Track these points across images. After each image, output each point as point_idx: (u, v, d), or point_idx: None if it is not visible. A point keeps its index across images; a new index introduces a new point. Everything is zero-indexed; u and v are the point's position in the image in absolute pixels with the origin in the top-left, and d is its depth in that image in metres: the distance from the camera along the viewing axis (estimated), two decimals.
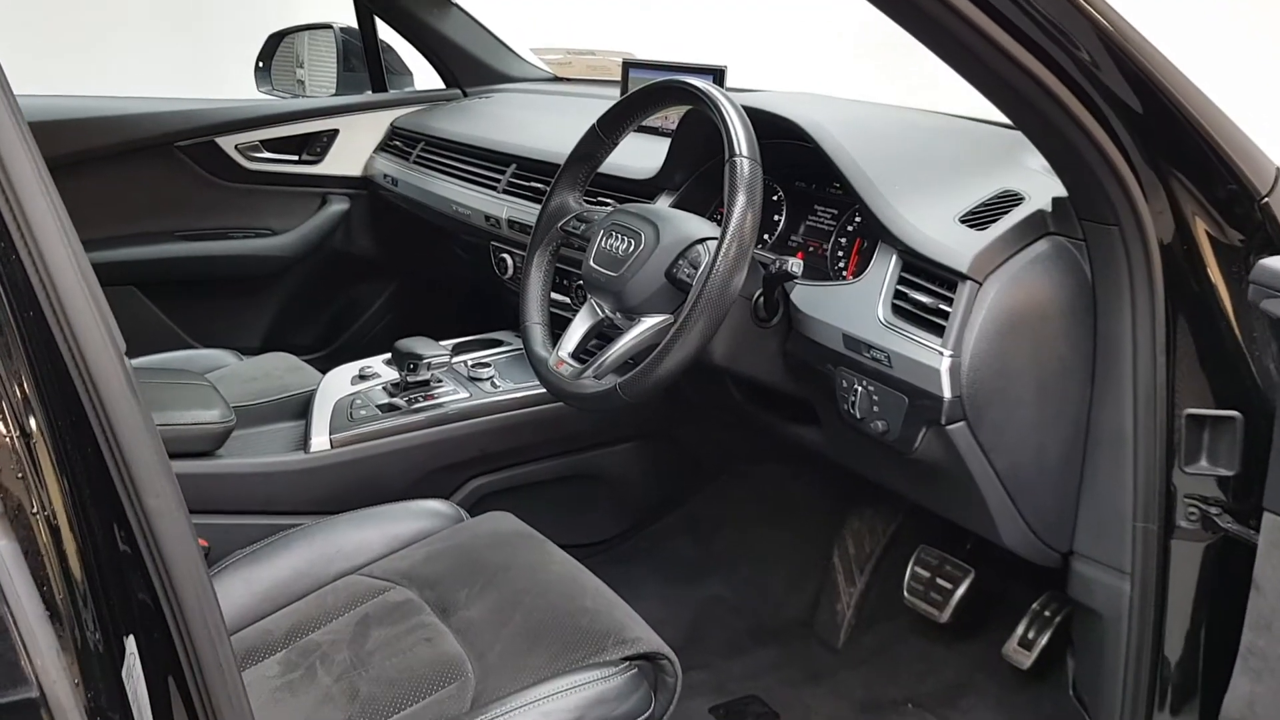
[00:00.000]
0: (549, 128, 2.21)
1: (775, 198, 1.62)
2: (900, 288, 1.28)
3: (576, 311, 1.84)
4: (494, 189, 2.10)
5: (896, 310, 1.27)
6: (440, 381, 1.79)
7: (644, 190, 1.75)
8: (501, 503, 1.79)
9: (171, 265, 2.49)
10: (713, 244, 1.33)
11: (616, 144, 1.51)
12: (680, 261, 1.33)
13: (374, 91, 2.75)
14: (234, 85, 2.77)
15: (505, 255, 2.06)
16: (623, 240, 1.38)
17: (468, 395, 1.77)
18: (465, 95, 2.75)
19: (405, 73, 2.86)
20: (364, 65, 2.73)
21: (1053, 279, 1.24)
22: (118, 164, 2.40)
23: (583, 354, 1.45)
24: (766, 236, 1.61)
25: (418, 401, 1.74)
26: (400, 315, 2.83)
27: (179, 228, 2.52)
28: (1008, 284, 1.21)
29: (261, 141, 2.56)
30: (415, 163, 2.47)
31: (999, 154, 1.45)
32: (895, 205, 1.31)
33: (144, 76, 2.99)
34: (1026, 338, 1.22)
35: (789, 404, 1.58)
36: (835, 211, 1.54)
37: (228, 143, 2.51)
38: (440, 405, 1.73)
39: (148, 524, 0.67)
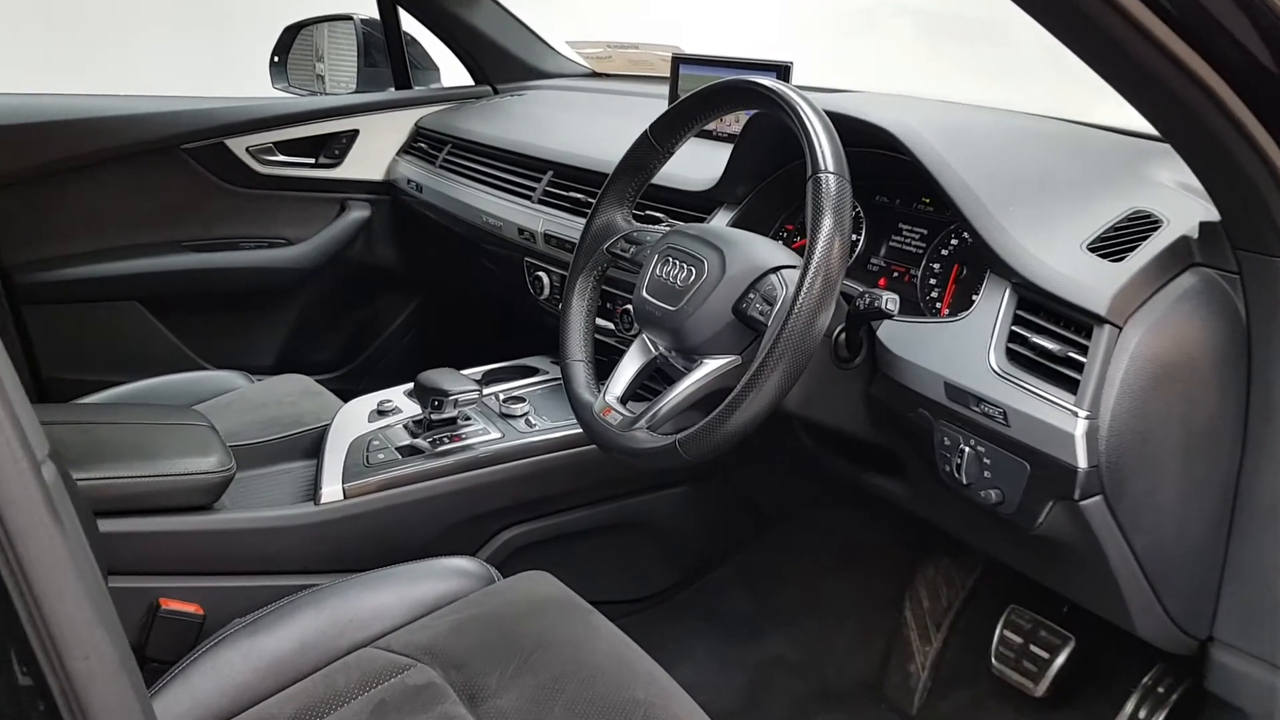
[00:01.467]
0: (590, 130, 2.04)
1: (853, 214, 1.44)
2: (1017, 329, 1.09)
3: (621, 339, 1.70)
4: (528, 199, 1.93)
5: (1013, 356, 1.08)
6: (469, 419, 1.63)
7: (699, 204, 1.58)
8: (537, 557, 1.62)
9: (177, 278, 2.35)
10: (789, 274, 1.15)
11: (672, 153, 1.34)
12: (751, 295, 1.15)
13: (397, 89, 2.63)
14: (246, 82, 2.63)
15: (541, 274, 1.89)
16: (682, 268, 1.21)
17: (499, 436, 1.60)
18: (496, 93, 2.60)
19: (431, 68, 2.72)
20: (386, 60, 2.60)
21: (1202, 321, 1.05)
22: (118, 169, 2.26)
23: (634, 394, 1.28)
24: None
25: (443, 443, 1.57)
26: (423, 333, 2.68)
27: (185, 237, 2.39)
28: (1153, 328, 1.02)
29: (275, 143, 2.42)
30: (442, 167, 2.31)
31: (1122, 167, 1.26)
32: (1009, 229, 1.13)
33: (146, 73, 2.85)
34: (1173, 393, 1.04)
35: (868, 452, 1.40)
36: (924, 231, 1.36)
37: (238, 145, 2.38)
38: (469, 448, 1.56)
39: (74, 696, 0.50)
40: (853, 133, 1.21)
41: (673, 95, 1.88)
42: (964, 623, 1.84)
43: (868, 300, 1.11)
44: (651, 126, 1.32)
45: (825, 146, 1.08)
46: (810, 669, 1.84)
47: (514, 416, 1.65)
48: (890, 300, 1.09)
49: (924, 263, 1.34)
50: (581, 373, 1.34)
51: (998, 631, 1.67)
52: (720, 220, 1.53)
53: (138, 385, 1.94)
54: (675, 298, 1.20)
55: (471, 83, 2.65)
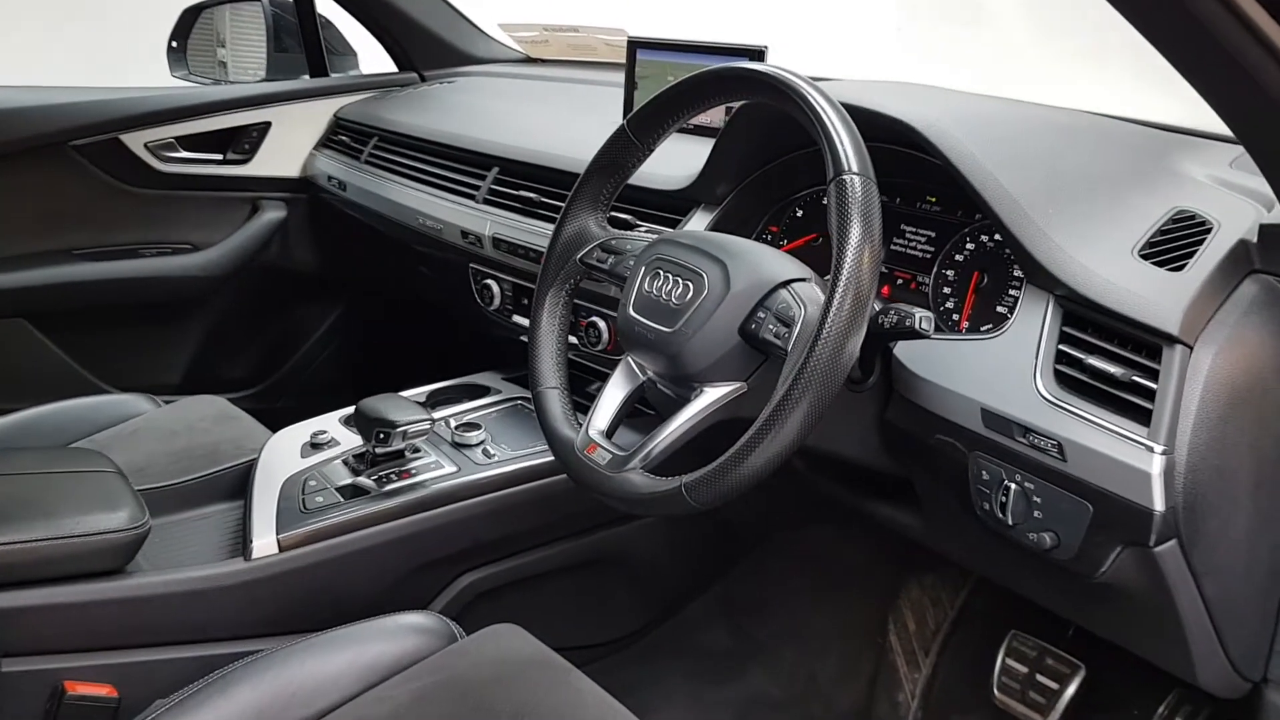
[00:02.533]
0: (536, 122, 1.88)
1: (800, 214, 1.31)
2: (1064, 348, 0.97)
3: (588, 356, 1.54)
4: (472, 198, 1.77)
5: (1063, 380, 0.97)
6: (418, 451, 1.46)
7: (672, 205, 1.44)
8: (500, 603, 1.47)
9: (70, 291, 2.13)
10: (802, 288, 1.02)
11: (652, 149, 1.19)
12: (760, 314, 1.02)
13: (312, 76, 2.42)
14: (141, 71, 2.40)
15: (490, 282, 1.73)
16: (677, 283, 1.07)
17: (454, 470, 1.44)
18: (423, 80, 2.43)
19: (349, 53, 2.54)
20: (299, 44, 2.41)
21: (1270, 335, 0.95)
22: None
23: (619, 425, 1.14)
24: None
25: (390, 480, 1.40)
26: (349, 344, 2.50)
27: (77, 245, 2.17)
28: (1224, 347, 0.92)
29: (177, 138, 2.22)
30: (367, 162, 2.13)
31: (1152, 161, 1.16)
32: (1051, 234, 1.01)
33: (30, 61, 2.61)
34: (1246, 419, 0.93)
35: (874, 479, 1.28)
36: (931, 234, 1.24)
37: (135, 140, 2.17)
38: (420, 485, 1.40)
39: None
40: (862, 126, 1.08)
41: (629, 83, 1.73)
42: (955, 646, 1.74)
43: (895, 317, 0.98)
44: (630, 120, 1.17)
45: (847, 144, 0.94)
46: (794, 706, 1.72)
47: (469, 446, 1.49)
48: (924, 318, 0.96)
49: (935, 269, 1.21)
50: (558, 403, 1.19)
51: (999, 660, 1.58)
52: (698, 223, 1.39)
53: (26, 414, 1.74)
54: (671, 318, 1.06)
55: (395, 69, 2.47)
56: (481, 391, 1.70)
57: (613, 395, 1.14)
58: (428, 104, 2.21)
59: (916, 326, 0.96)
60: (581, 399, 1.32)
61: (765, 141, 1.30)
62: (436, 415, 1.59)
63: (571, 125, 1.84)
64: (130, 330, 2.25)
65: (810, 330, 0.95)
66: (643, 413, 1.25)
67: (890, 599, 1.81)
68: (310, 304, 2.46)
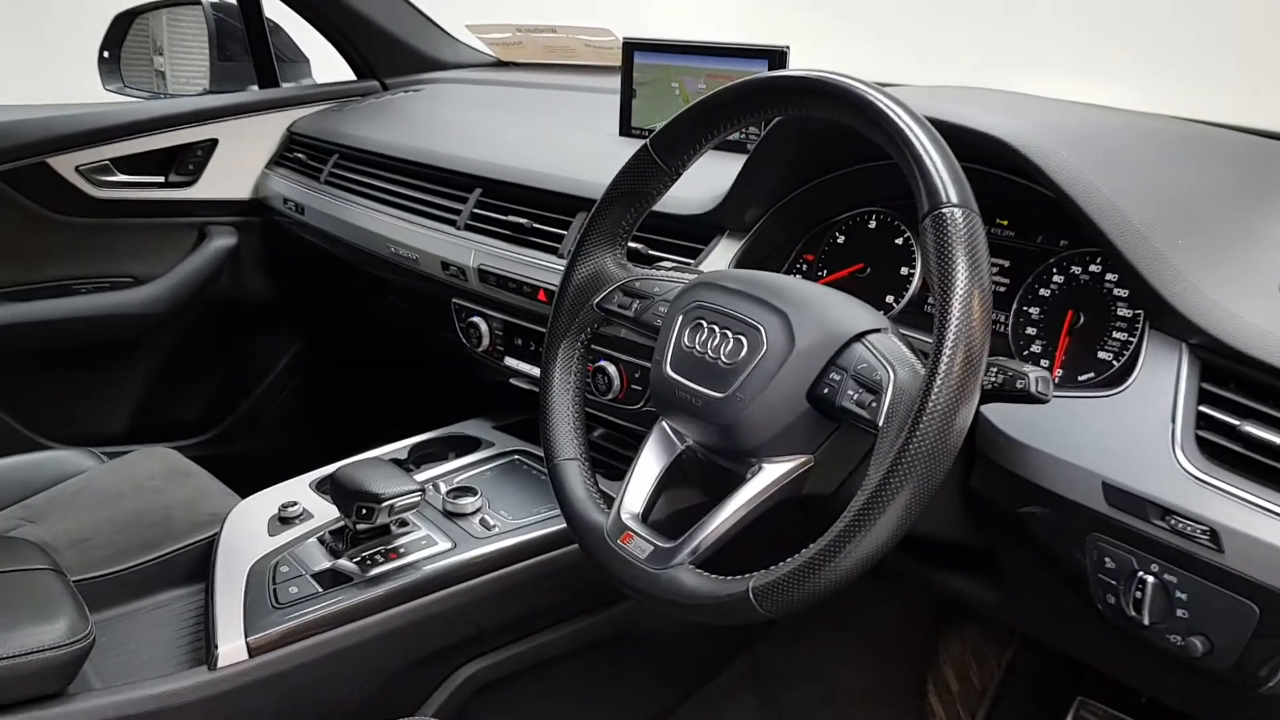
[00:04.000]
0: (518, 134, 1.70)
1: (901, 241, 1.15)
2: (1207, 409, 0.81)
3: (595, 405, 1.37)
4: (452, 224, 1.58)
5: (1209, 449, 0.80)
6: (405, 525, 1.27)
7: (692, 232, 1.26)
8: (505, 694, 1.30)
9: None
10: (880, 341, 0.85)
11: (680, 174, 1.02)
12: (833, 376, 0.85)
13: (261, 87, 2.23)
14: (71, 86, 2.18)
15: (478, 320, 1.54)
16: (726, 337, 0.90)
17: (450, 546, 1.25)
18: (385, 89, 2.25)
19: (300, 60, 2.34)
20: (246, 52, 2.21)
21: None
22: None
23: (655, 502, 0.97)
24: (892, 299, 1.14)
25: (376, 562, 1.22)
26: (310, 382, 2.30)
27: (3, 283, 1.96)
28: None
29: (113, 160, 2.02)
30: (328, 182, 1.93)
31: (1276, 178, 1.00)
32: (1184, 269, 0.85)
33: None
34: None
35: (947, 550, 1.11)
36: (1005, 264, 1.08)
37: (65, 163, 1.97)
38: (412, 568, 1.22)
39: None
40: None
41: (626, 89, 1.55)
42: (1006, 710, 1.58)
43: (1000, 376, 0.81)
44: (654, 140, 1.00)
45: (943, 171, 0.77)
46: None
47: (464, 515, 1.31)
48: (1040, 379, 0.79)
49: (1015, 306, 1.05)
50: (578, 478, 1.01)
51: None
52: (723, 253, 1.22)
53: None
54: (721, 380, 0.89)
55: (353, 77, 2.28)
56: (470, 445, 1.52)
57: (647, 469, 0.97)
58: (393, 116, 2.02)
59: (1031, 389, 0.79)
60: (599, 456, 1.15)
61: (807, 158, 1.14)
62: (423, 477, 1.40)
63: (561, 138, 1.66)
64: (66, 376, 2.05)
65: (906, 399, 0.78)
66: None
67: (929, 656, 1.66)
68: (266, 338, 2.26)
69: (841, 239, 1.19)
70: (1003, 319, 1.06)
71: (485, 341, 1.54)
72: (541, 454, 1.45)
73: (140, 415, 2.13)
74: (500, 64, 2.33)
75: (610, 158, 1.53)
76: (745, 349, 0.88)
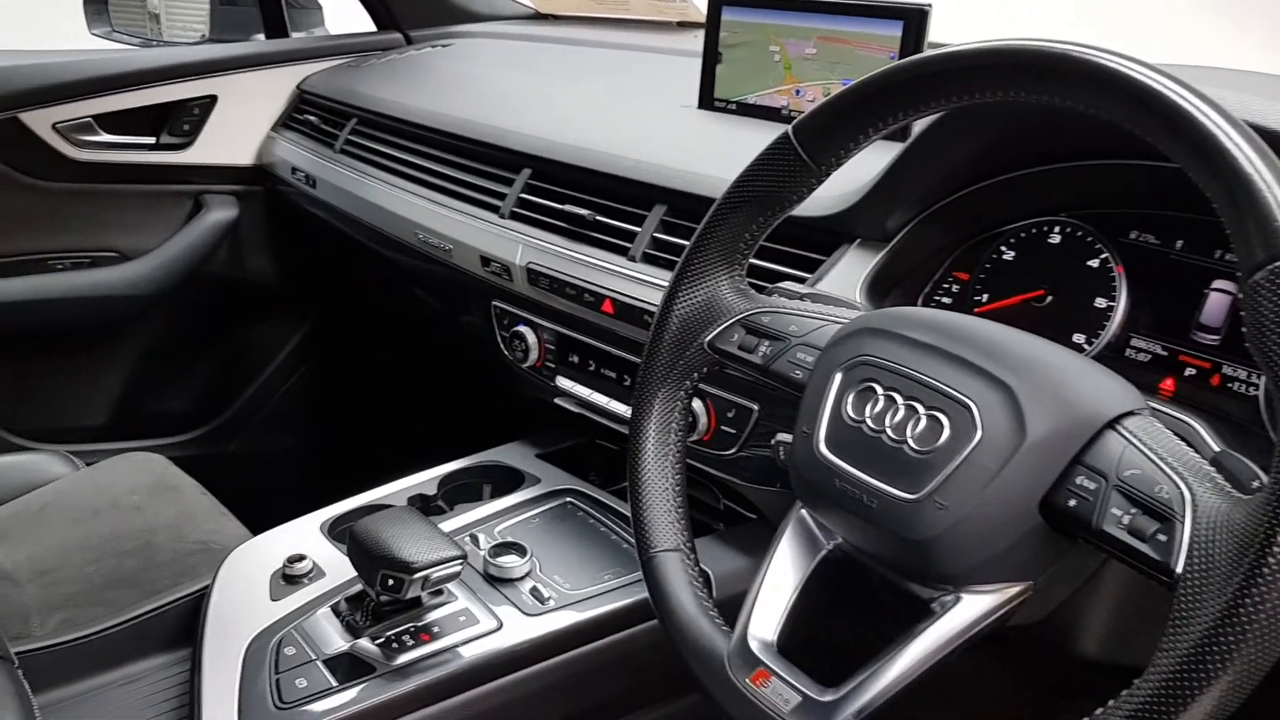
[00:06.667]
0: (572, 102, 1.45)
1: (1095, 263, 0.89)
2: None
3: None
4: (495, 210, 1.33)
5: None
6: (440, 593, 1.03)
7: (811, 239, 1.01)
8: None
9: None
10: (1145, 431, 0.61)
11: (829, 174, 0.77)
12: (1078, 478, 0.61)
13: (268, 36, 1.99)
14: (51, 32, 1.93)
15: (524, 330, 1.29)
16: (913, 412, 0.65)
17: (495, 626, 1.01)
18: (409, 42, 1.99)
19: (312, 6, 2.12)
20: None
21: None
22: None
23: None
24: (1082, 340, 0.88)
25: (404, 646, 0.98)
26: (317, 371, 2.07)
27: None
28: None
29: (95, 117, 1.79)
30: (343, 152, 1.68)
31: None
32: None
33: None
34: None
35: None
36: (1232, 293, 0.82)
37: (40, 120, 1.74)
38: (450, 653, 0.98)
39: None
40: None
41: (710, 52, 1.29)
42: None
43: None
44: (800, 127, 0.75)
45: None
46: None
47: (510, 581, 1.07)
48: None
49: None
50: (683, 579, 0.77)
51: None
52: (853, 267, 0.96)
53: None
54: (908, 474, 0.64)
55: (373, 28, 2.03)
56: (511, 479, 1.27)
57: (781, 578, 0.73)
58: (419, 75, 1.76)
59: None
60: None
61: (986, 153, 0.88)
62: (456, 523, 1.16)
63: (627, 111, 1.40)
64: (39, 364, 1.83)
65: (1225, 537, 0.54)
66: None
67: None
68: (266, 325, 2.03)
69: (1010, 255, 0.94)
70: (1234, 373, 0.80)
71: (533, 355, 1.29)
72: (598, 496, 1.24)
73: (122, 410, 1.91)
74: (538, 16, 2.08)
75: (693, 137, 1.29)
76: (946, 433, 0.63)
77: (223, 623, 1.03)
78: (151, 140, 1.83)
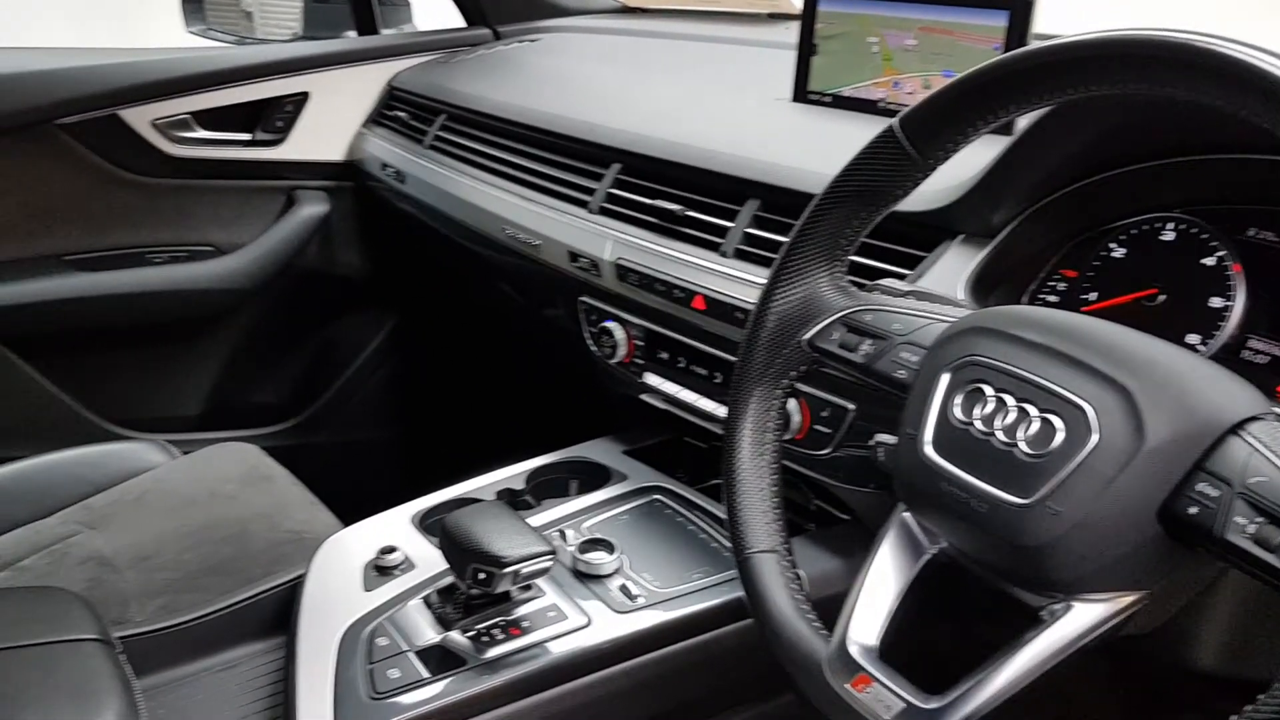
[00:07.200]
0: (664, 96, 1.44)
1: (1211, 261, 0.86)
2: None
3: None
4: (583, 205, 1.33)
5: None
6: (529, 589, 1.03)
7: (910, 234, 0.99)
8: None
9: (61, 309, 1.74)
10: (1267, 434, 0.58)
11: (936, 168, 0.75)
12: (1200, 485, 0.58)
13: (360, 33, 2.02)
14: (151, 29, 2.00)
15: (612, 325, 1.29)
16: (1024, 414, 0.63)
17: (584, 622, 1.01)
18: (498, 37, 2.00)
19: (401, 3, 2.14)
20: None
21: None
22: None
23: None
24: (1197, 340, 0.85)
25: (494, 640, 0.98)
26: (404, 364, 2.10)
27: (69, 250, 1.78)
28: None
29: (193, 114, 1.81)
30: (433, 147, 1.69)
31: None
32: None
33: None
34: None
35: None
36: None
37: (139, 116, 1.76)
38: (539, 649, 0.98)
39: None
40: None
41: (805, 43, 1.27)
42: None
43: None
44: (907, 119, 0.74)
45: None
46: None
47: (599, 578, 1.07)
48: None
49: None
50: (779, 581, 0.76)
51: None
52: (956, 263, 0.94)
53: (4, 472, 1.36)
54: (1019, 478, 0.62)
55: (463, 24, 2.04)
56: (598, 476, 1.27)
57: (882, 582, 0.71)
58: (509, 70, 1.77)
59: None
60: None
61: (1099, 146, 0.85)
62: (544, 518, 1.17)
63: (718, 104, 1.39)
64: (137, 355, 1.86)
65: None
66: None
67: None
68: (356, 317, 2.05)
69: (1121, 253, 0.91)
70: None
71: (621, 351, 1.29)
72: (685, 494, 1.23)
73: (217, 400, 1.94)
74: (627, 10, 2.07)
75: (787, 130, 1.27)
76: (1060, 436, 0.61)
77: (317, 612, 1.05)
78: (246, 136, 1.85)
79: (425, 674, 0.95)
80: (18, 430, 1.72)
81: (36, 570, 1.21)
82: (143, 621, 1.10)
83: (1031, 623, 0.63)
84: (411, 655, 0.98)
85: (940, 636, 0.70)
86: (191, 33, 2.06)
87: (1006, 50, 1.06)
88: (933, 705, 0.64)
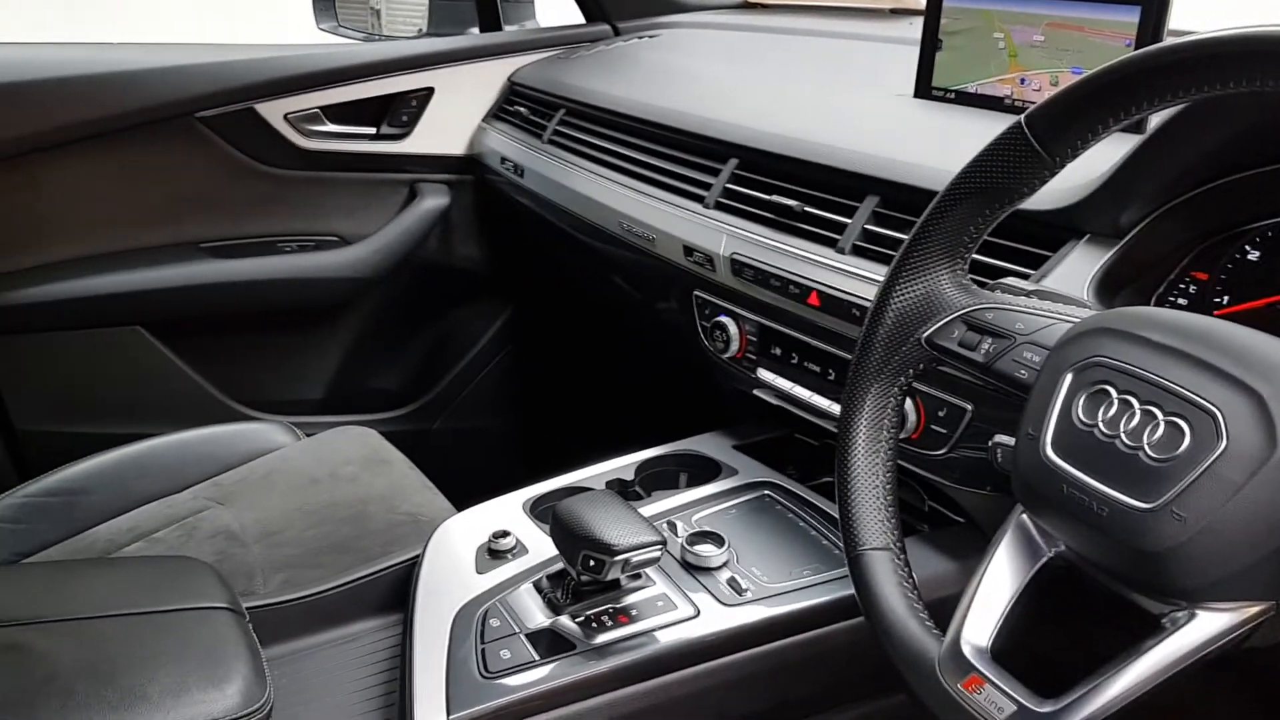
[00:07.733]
0: (782, 93, 1.44)
1: (1252, 257, 0.83)
2: None
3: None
4: (700, 200, 1.34)
5: None
6: (638, 577, 1.05)
7: (1036, 233, 0.97)
8: None
9: (195, 294, 1.81)
10: None
11: (1064, 166, 0.74)
12: None
13: (483, 30, 2.05)
14: (285, 26, 2.07)
15: (726, 320, 1.30)
16: (1150, 417, 0.62)
17: (693, 613, 1.02)
18: (617, 34, 2.01)
19: (524, 1, 2.14)
20: None
21: None
22: (110, 147, 1.73)
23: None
24: None
25: (603, 626, 1.00)
26: (519, 355, 2.13)
27: (205, 237, 1.86)
28: None
29: (323, 108, 1.87)
30: (551, 142, 1.73)
31: None
32: None
33: (146, 14, 2.33)
34: None
35: None
36: None
37: (273, 110, 1.83)
38: (647, 636, 1.00)
39: None
40: None
41: (929, 39, 1.26)
42: None
43: None
44: (1034, 116, 0.73)
45: None
46: None
47: (708, 570, 1.08)
48: None
49: None
50: (892, 579, 0.76)
51: None
52: (1080, 264, 0.92)
53: (136, 449, 1.44)
54: (1143, 482, 0.61)
55: (582, 20, 2.07)
56: (707, 469, 1.28)
57: (998, 583, 0.71)
58: (627, 66, 1.79)
59: None
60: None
61: (1235, 146, 0.83)
62: (654, 509, 1.18)
63: (838, 100, 1.39)
64: (266, 340, 1.93)
65: None
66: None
67: None
68: (473, 307, 2.10)
69: (1255, 255, 0.88)
70: None
71: (734, 346, 1.29)
72: (796, 490, 1.23)
73: (338, 385, 2.01)
74: (747, 5, 2.08)
75: (909, 126, 1.26)
76: (1187, 441, 0.60)
77: (433, 592, 1.08)
78: (373, 130, 1.90)
79: (535, 656, 0.98)
80: (153, 408, 1.81)
81: (169, 542, 1.27)
82: (267, 594, 1.15)
83: (1152, 630, 0.62)
84: (522, 637, 1.00)
85: (1055, 641, 0.69)
86: (322, 30, 2.12)
87: (1138, 47, 1.03)
88: (1046, 709, 0.63)
